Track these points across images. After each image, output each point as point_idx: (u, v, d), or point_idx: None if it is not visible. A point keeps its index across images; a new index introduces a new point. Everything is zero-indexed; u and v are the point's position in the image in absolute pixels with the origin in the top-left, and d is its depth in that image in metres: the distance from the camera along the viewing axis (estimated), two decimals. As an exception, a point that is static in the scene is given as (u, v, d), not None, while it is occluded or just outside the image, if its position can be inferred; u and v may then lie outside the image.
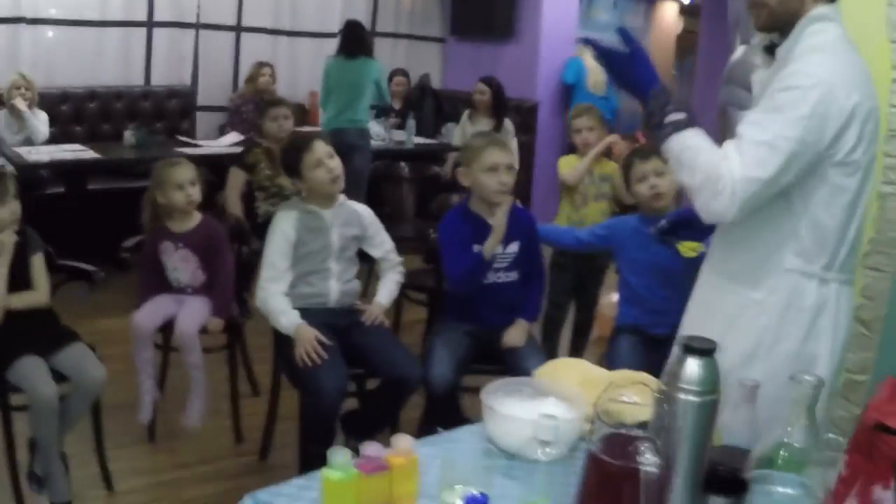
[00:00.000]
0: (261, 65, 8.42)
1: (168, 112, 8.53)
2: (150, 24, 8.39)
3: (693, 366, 1.65)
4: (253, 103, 8.00)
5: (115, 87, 8.26)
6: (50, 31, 7.95)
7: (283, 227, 3.85)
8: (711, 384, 1.65)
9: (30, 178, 6.57)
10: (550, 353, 4.98)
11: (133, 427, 4.25)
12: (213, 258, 4.32)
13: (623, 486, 1.55)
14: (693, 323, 2.58)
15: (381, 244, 4.09)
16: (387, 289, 4.09)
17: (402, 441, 1.87)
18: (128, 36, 8.33)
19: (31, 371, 3.54)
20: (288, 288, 3.84)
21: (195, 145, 7.54)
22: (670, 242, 3.70)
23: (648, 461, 1.54)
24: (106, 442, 3.88)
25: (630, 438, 1.60)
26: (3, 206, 3.65)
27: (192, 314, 4.19)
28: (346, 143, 6.95)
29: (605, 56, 2.45)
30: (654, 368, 3.43)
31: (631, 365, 3.60)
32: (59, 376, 3.60)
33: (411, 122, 8.28)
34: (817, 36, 2.30)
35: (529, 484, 1.84)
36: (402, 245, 4.76)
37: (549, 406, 1.97)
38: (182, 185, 4.24)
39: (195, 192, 4.29)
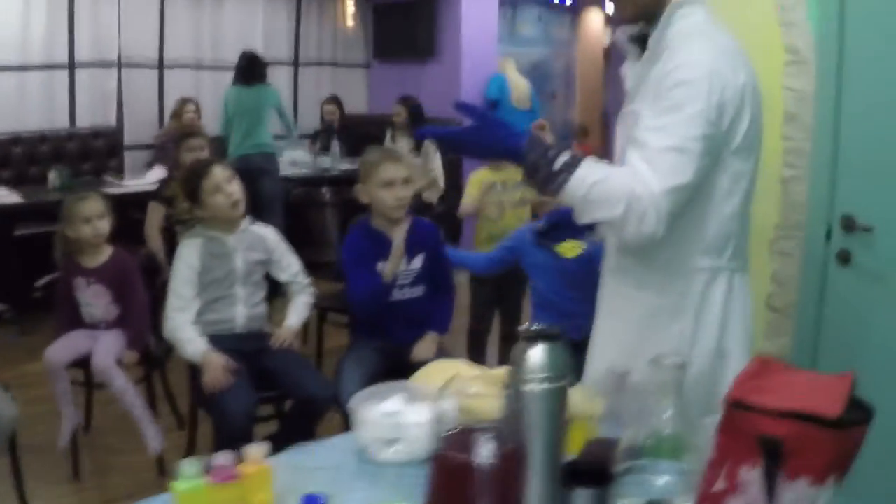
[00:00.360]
0: (184, 101, 8.34)
1: (94, 152, 8.41)
2: (71, 65, 8.30)
3: (538, 353, 1.59)
4: (177, 139, 7.93)
5: (40, 131, 8.15)
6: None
7: (187, 256, 3.81)
8: (557, 370, 1.60)
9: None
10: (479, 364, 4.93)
11: (59, 466, 4.22)
12: (125, 291, 4.29)
13: (467, 482, 1.49)
14: (605, 333, 2.48)
15: (288, 267, 4.04)
16: (296, 311, 4.03)
17: (254, 450, 1.81)
18: (50, 79, 8.23)
19: None
20: (195, 316, 3.78)
21: (118, 185, 7.47)
22: (547, 245, 3.69)
23: (484, 453, 1.49)
24: (31, 481, 3.85)
25: (476, 432, 1.54)
26: None
27: (107, 348, 4.14)
28: (254, 168, 7.37)
29: (448, 141, 2.26)
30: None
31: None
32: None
33: (335, 148, 8.33)
34: (686, 20, 2.24)
35: (392, 487, 1.78)
36: (325, 270, 4.72)
37: (394, 405, 1.86)
38: (89, 219, 4.22)
39: (103, 226, 4.27)
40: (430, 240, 3.89)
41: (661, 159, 2.07)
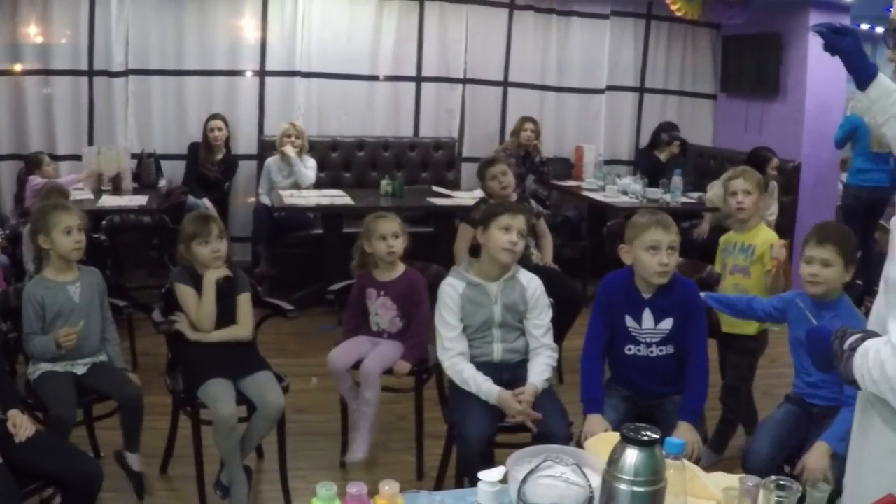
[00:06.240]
0: (525, 119, 8.60)
1: (433, 162, 8.90)
2: (419, 79, 8.86)
3: (632, 456, 1.62)
4: (515, 157, 8.14)
5: (384, 138, 8.76)
6: (322, 85, 8.61)
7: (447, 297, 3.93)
8: (650, 475, 1.61)
9: (294, 219, 7.58)
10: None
11: (327, 455, 4.67)
12: (411, 307, 4.55)
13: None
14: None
15: (538, 318, 3.96)
16: (537, 370, 3.89)
17: (389, 485, 1.94)
18: (396, 90, 8.85)
19: (218, 392, 3.94)
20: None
21: (446, 195, 7.70)
22: None
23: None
24: (300, 462, 4.40)
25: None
26: (206, 246, 4.12)
27: (380, 356, 4.44)
28: None
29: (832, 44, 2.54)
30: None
31: (779, 433, 3.57)
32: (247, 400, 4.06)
33: (676, 179, 7.89)
34: None
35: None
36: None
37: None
38: (385, 237, 4.52)
39: (397, 245, 4.55)
40: (686, 301, 3.73)
41: None
